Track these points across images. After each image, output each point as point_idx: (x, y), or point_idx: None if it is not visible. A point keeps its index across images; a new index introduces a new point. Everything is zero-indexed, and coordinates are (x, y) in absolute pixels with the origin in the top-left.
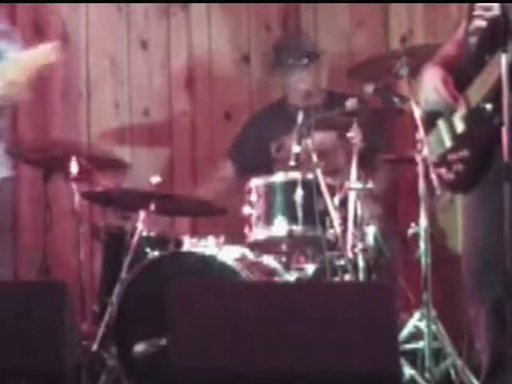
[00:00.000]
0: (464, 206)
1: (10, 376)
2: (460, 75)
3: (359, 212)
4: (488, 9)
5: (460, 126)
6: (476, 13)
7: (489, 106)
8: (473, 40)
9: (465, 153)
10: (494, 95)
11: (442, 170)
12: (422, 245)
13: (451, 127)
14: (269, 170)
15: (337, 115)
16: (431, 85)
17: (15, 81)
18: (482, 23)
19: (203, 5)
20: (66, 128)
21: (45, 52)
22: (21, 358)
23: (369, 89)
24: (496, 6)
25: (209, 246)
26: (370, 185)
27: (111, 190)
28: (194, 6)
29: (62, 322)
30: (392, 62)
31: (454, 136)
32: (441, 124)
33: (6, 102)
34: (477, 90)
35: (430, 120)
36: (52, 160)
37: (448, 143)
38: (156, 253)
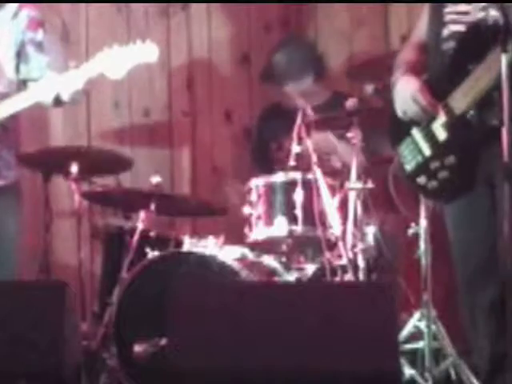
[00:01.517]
0: (450, 209)
1: (10, 376)
2: (434, 83)
3: (359, 212)
4: (465, 13)
5: (442, 134)
6: (449, 18)
7: (475, 113)
8: (449, 45)
9: (451, 160)
10: (482, 102)
11: (422, 179)
12: (421, 245)
13: (431, 136)
14: (270, 170)
15: (337, 115)
16: (409, 94)
17: (106, 75)
18: (460, 28)
19: (203, 5)
20: (65, 128)
21: (145, 50)
22: (21, 358)
23: (369, 89)
24: (473, 10)
25: (209, 246)
26: (369, 185)
27: (111, 190)
28: (194, 5)
29: (62, 322)
30: (392, 62)
31: (435, 144)
32: (416, 133)
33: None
34: (461, 98)
35: (400, 131)
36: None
37: (427, 151)
38: (156, 253)
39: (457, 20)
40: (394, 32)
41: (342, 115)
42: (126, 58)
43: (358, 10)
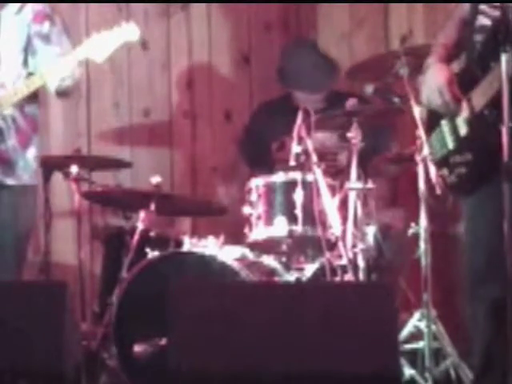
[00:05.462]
0: (467, 204)
1: (10, 376)
2: (464, 73)
3: (359, 212)
4: (494, 7)
5: (463, 129)
6: (481, 8)
7: (492, 113)
8: (478, 38)
9: (468, 157)
10: (498, 102)
11: (445, 172)
12: (421, 245)
13: (454, 129)
14: (270, 169)
15: (337, 115)
16: (435, 86)
17: (92, 59)
18: (487, 22)
19: (203, 5)
20: (66, 128)
21: (127, 31)
22: (21, 358)
23: (369, 89)
24: (502, 7)
25: (209, 246)
26: (370, 185)
27: (111, 190)
28: (194, 6)
29: (62, 322)
30: (392, 62)
31: (457, 138)
32: (444, 124)
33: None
34: (481, 95)
35: (433, 119)
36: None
37: (451, 145)
38: (156, 253)
39: (487, 12)
40: (394, 32)
41: (342, 115)
42: (110, 40)
43: (358, 9)
